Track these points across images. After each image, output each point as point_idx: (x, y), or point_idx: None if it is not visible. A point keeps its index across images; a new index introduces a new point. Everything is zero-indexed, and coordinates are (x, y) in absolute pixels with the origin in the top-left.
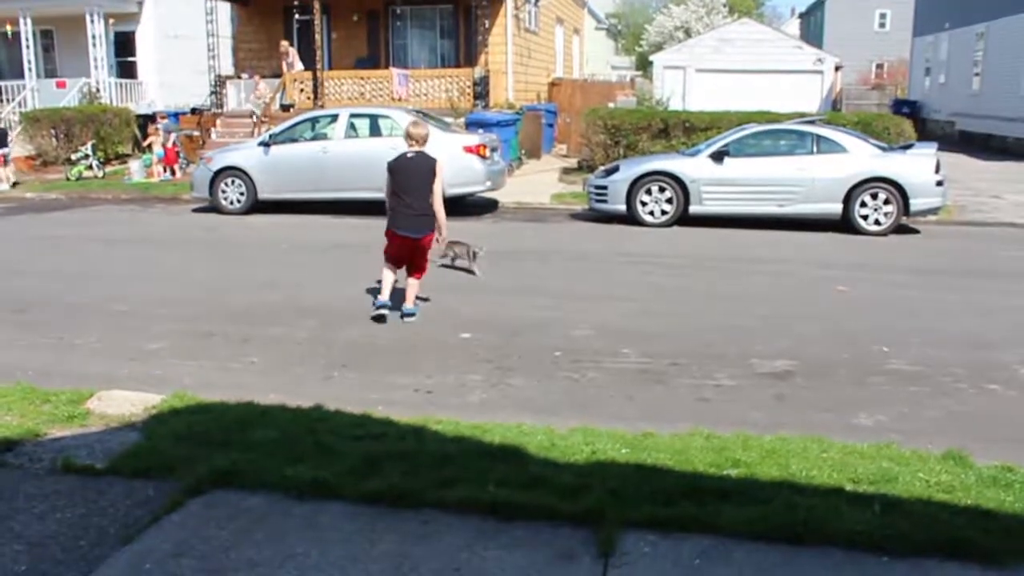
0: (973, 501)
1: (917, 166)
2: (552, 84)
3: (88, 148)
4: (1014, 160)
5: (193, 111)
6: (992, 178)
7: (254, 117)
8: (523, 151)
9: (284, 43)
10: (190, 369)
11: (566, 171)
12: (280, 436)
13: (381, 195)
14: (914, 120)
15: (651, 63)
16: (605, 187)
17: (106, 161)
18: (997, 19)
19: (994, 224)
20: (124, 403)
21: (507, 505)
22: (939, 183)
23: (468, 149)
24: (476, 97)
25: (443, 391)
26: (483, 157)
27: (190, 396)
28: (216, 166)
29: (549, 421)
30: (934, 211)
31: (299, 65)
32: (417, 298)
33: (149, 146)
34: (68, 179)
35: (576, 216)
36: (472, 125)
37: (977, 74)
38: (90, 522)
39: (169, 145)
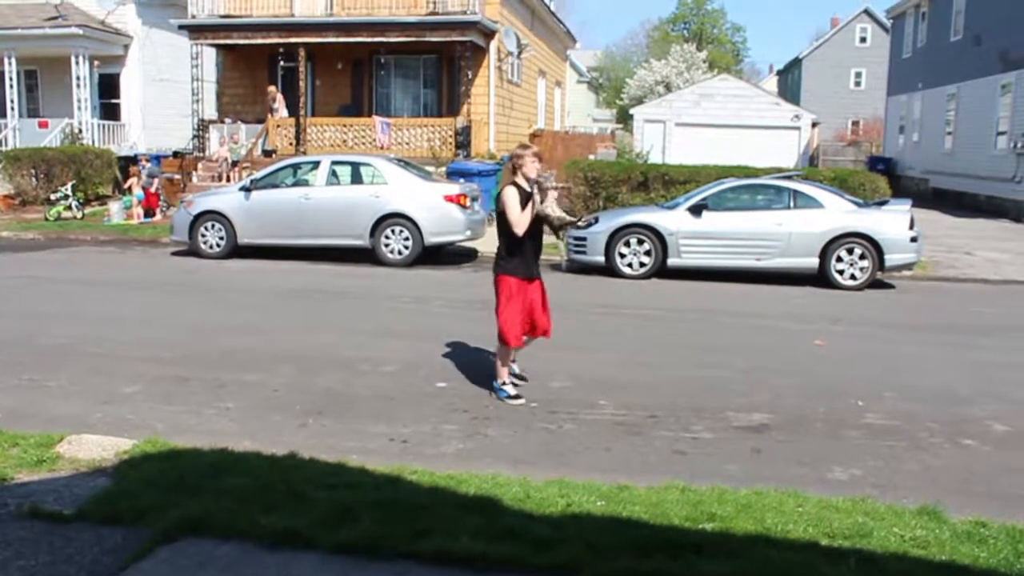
0: (948, 557)
1: (892, 222)
2: (533, 135)
3: (68, 188)
4: (986, 217)
5: (175, 154)
6: (965, 235)
7: (227, 163)
8: None
9: (272, 88)
10: (164, 414)
11: None
12: (253, 484)
13: (361, 242)
14: (889, 177)
15: (632, 116)
16: (584, 238)
17: (86, 202)
18: (967, 81)
19: (967, 280)
20: (95, 447)
21: (482, 557)
22: (913, 239)
23: (448, 198)
24: (458, 147)
25: (419, 440)
26: (463, 206)
27: (163, 441)
28: (196, 210)
29: (525, 472)
30: (909, 266)
31: (284, 112)
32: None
33: (130, 188)
34: (47, 219)
35: (555, 267)
36: (453, 174)
37: (949, 133)
38: (56, 570)
39: (153, 189)
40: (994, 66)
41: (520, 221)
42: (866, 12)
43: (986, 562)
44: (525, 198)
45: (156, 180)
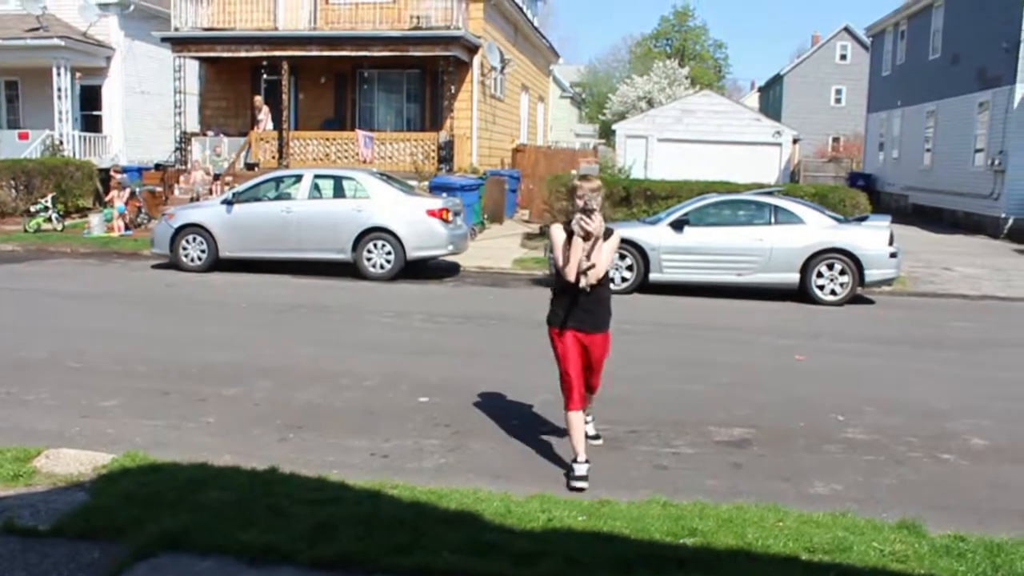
0: (927, 571)
1: (872, 238)
2: (516, 150)
3: (48, 200)
4: (964, 233)
5: (157, 167)
6: (944, 250)
7: (204, 185)
8: (486, 216)
9: (258, 98)
10: (143, 428)
11: (528, 236)
12: (233, 498)
13: (343, 256)
14: (869, 193)
15: (614, 131)
16: None
17: (66, 214)
18: (945, 98)
19: (945, 295)
20: (73, 462)
21: (463, 572)
22: (893, 255)
23: (431, 212)
24: (440, 161)
25: (400, 455)
26: (446, 221)
27: (142, 456)
28: (178, 223)
29: (506, 487)
30: (888, 282)
31: (270, 124)
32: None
33: (111, 200)
34: (26, 231)
35: (538, 281)
36: (436, 189)
37: (928, 150)
38: None
39: (126, 199)
40: (971, 84)
41: (562, 259)
42: (846, 30)
43: None
44: (583, 235)
45: (127, 191)
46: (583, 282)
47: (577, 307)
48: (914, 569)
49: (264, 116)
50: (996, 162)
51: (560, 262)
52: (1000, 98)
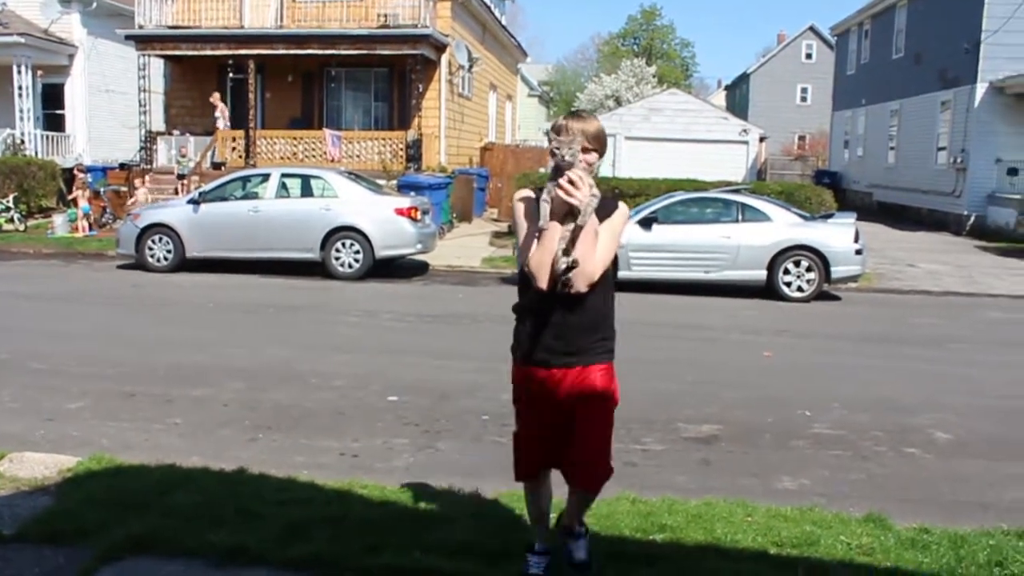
0: (892, 563)
1: (837, 235)
2: (484, 148)
3: (10, 201)
4: (927, 230)
5: (121, 166)
6: (908, 247)
7: (175, 175)
8: (454, 214)
9: (216, 95)
10: (109, 430)
11: (497, 235)
12: (201, 500)
13: (312, 255)
14: (835, 190)
15: None
16: None
17: (28, 215)
18: (909, 97)
19: (910, 292)
20: (37, 466)
21: (435, 572)
22: (858, 251)
23: (399, 211)
24: (409, 160)
25: (370, 455)
26: (414, 219)
27: (108, 458)
28: (143, 223)
29: (477, 485)
30: (854, 278)
31: (227, 123)
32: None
33: (75, 200)
34: None
35: (506, 280)
36: (404, 187)
37: (893, 148)
38: None
39: (89, 199)
40: (934, 83)
41: (528, 251)
42: (811, 29)
43: (929, 568)
44: (563, 212)
45: (87, 191)
46: (565, 287)
47: (548, 327)
48: (880, 562)
49: (220, 114)
50: (958, 160)
51: (524, 255)
52: (961, 97)
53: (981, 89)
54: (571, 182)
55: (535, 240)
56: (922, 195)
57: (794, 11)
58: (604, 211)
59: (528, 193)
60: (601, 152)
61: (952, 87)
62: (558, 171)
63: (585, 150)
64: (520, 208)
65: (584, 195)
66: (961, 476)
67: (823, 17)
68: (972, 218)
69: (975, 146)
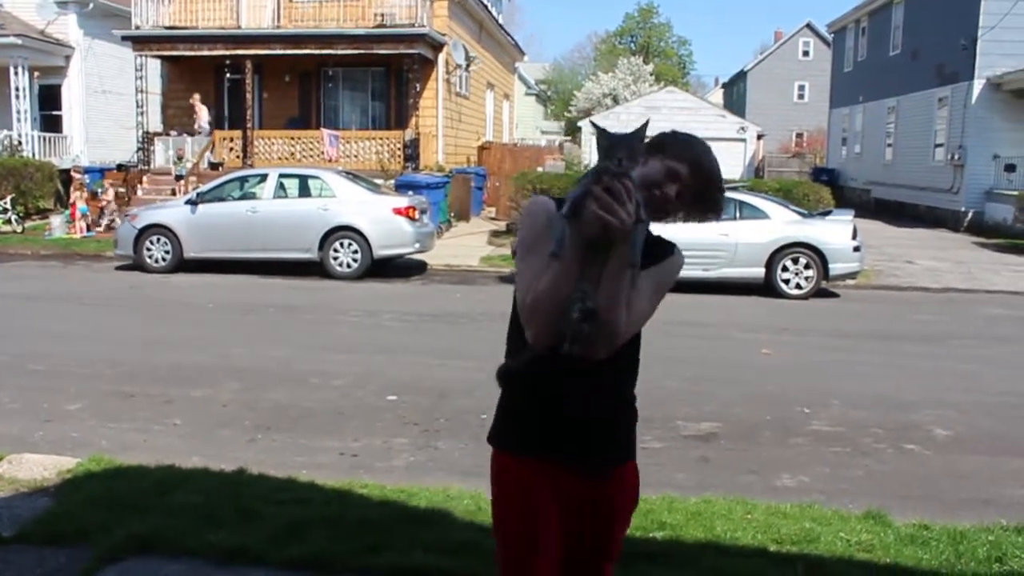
0: (892, 559)
1: (835, 232)
2: (482, 148)
3: (7, 202)
4: (925, 227)
5: (119, 167)
6: (906, 244)
7: (173, 175)
8: (452, 213)
9: (196, 96)
10: (109, 431)
11: (495, 234)
12: (201, 501)
13: (310, 255)
14: (832, 188)
15: (580, 128)
16: None
17: (26, 216)
18: (906, 94)
19: (908, 288)
20: (36, 467)
21: (435, 571)
22: (856, 248)
23: (397, 211)
24: (406, 159)
25: (369, 454)
26: (412, 219)
27: (108, 459)
28: (141, 223)
29: (476, 485)
30: (852, 276)
31: (206, 125)
32: None
33: (73, 201)
34: None
35: (505, 279)
36: (402, 187)
37: (890, 145)
38: None
39: (88, 199)
40: (931, 80)
41: (529, 286)
42: (808, 26)
43: (929, 564)
44: (591, 236)
45: (85, 192)
46: (575, 345)
47: (562, 405)
48: (880, 558)
49: (199, 114)
50: (955, 157)
51: (524, 291)
52: (958, 94)
53: (978, 85)
54: (609, 191)
55: (548, 272)
56: (920, 192)
57: (791, 8)
58: (653, 252)
59: (546, 200)
60: (695, 196)
61: (949, 83)
62: (597, 177)
63: (669, 180)
64: (532, 221)
65: (627, 215)
66: (961, 472)
67: (820, 14)
68: (970, 214)
69: (972, 142)
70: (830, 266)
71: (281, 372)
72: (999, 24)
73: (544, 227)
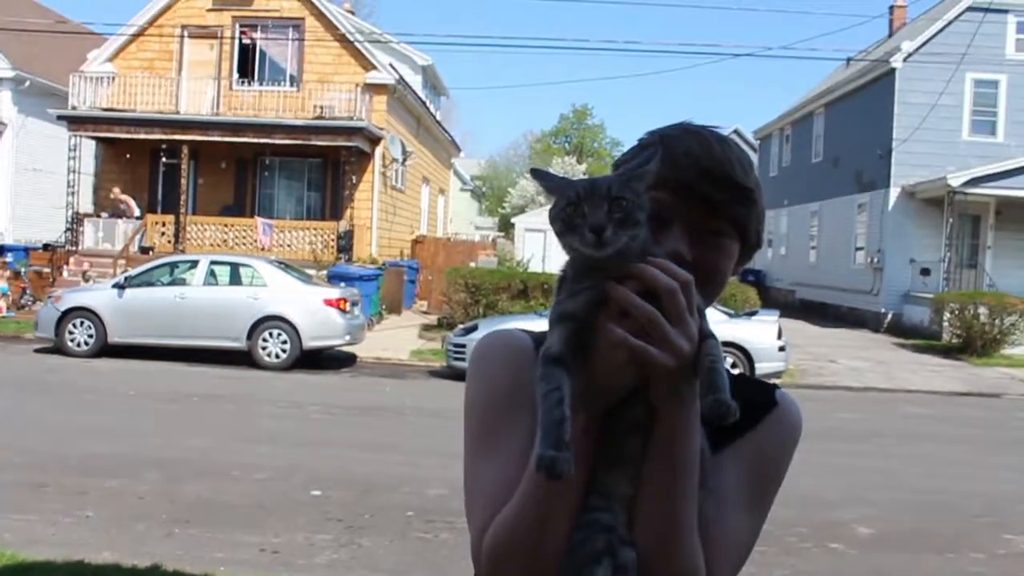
0: None
1: (761, 332)
2: (416, 241)
3: None
4: (848, 327)
5: (46, 247)
6: (829, 343)
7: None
8: (384, 306)
9: (116, 189)
10: (15, 524)
11: (426, 328)
12: None
13: (238, 344)
14: (759, 288)
15: (513, 225)
16: (464, 345)
17: None
18: (828, 199)
19: (831, 387)
20: None
21: None
22: (782, 348)
23: (328, 302)
24: (340, 250)
25: (291, 550)
26: (343, 311)
27: (10, 555)
28: (65, 305)
29: None
30: (777, 374)
31: (136, 211)
32: None
33: None
34: None
35: (435, 373)
36: (334, 278)
37: (814, 247)
38: None
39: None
40: (851, 187)
41: (486, 507)
42: (736, 132)
43: None
44: (617, 390)
45: (7, 271)
46: None
47: None
48: None
49: (128, 206)
50: (875, 260)
51: (477, 519)
52: (876, 200)
53: (894, 193)
54: (653, 290)
55: (525, 498)
56: (842, 293)
57: (720, 114)
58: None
59: (511, 336)
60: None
61: (868, 190)
62: (594, 271)
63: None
64: (488, 384)
65: (688, 344)
66: (883, 572)
67: (747, 121)
68: (889, 316)
69: (890, 247)
70: (756, 365)
71: (202, 463)
72: (911, 137)
73: (510, 393)
